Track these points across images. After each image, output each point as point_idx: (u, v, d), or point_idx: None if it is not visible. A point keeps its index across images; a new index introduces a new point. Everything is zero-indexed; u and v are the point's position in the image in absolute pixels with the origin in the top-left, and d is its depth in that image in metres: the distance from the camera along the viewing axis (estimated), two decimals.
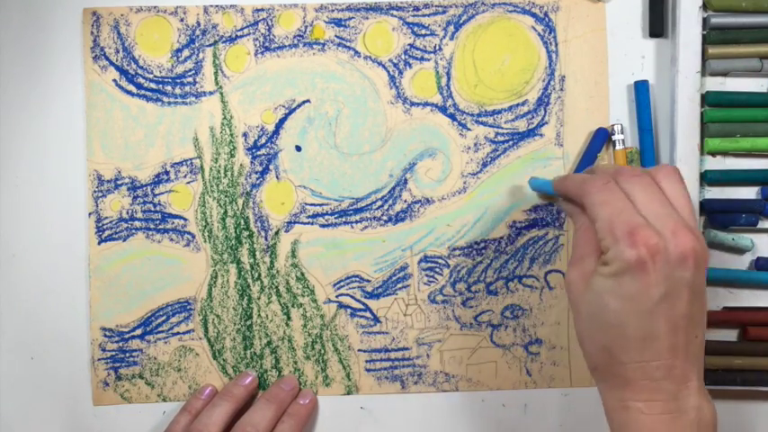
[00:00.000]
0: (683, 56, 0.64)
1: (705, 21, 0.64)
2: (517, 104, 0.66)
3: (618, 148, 0.65)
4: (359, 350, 0.65)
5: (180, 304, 0.65)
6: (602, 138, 0.65)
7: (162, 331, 0.65)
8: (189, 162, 0.65)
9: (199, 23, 0.65)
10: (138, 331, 0.65)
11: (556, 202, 0.64)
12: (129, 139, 0.65)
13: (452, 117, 0.66)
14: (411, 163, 0.66)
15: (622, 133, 0.65)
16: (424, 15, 0.66)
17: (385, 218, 0.66)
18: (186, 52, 0.65)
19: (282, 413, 0.63)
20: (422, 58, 0.66)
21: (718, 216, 0.64)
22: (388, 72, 0.66)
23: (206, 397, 0.64)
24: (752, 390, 0.64)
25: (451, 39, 0.66)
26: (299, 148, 0.66)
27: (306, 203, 0.66)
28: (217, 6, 0.65)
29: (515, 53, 0.66)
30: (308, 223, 0.65)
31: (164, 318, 0.65)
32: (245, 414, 0.62)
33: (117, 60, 0.65)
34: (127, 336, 0.65)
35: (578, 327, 0.53)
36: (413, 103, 0.66)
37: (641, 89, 0.65)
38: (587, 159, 0.65)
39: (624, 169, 0.54)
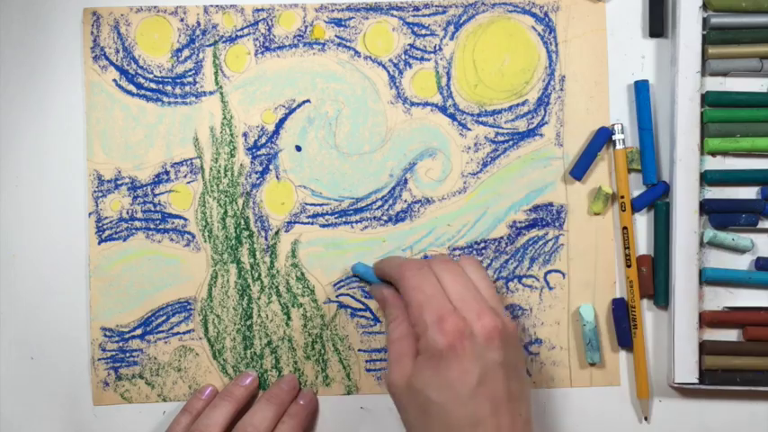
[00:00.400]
0: (683, 56, 0.64)
1: (705, 21, 0.64)
2: (517, 104, 0.66)
3: (618, 147, 0.65)
4: (359, 350, 0.65)
5: (180, 304, 0.65)
6: (603, 137, 0.65)
7: (162, 331, 0.65)
8: (189, 162, 0.65)
9: (199, 23, 0.65)
10: (139, 331, 0.65)
11: (370, 291, 0.64)
12: (129, 139, 0.65)
13: (452, 117, 0.66)
14: (411, 163, 0.66)
15: (623, 133, 0.65)
16: (424, 15, 0.66)
17: (385, 218, 0.66)
18: (186, 52, 0.65)
19: (283, 413, 0.63)
20: (422, 58, 0.66)
21: (718, 216, 0.64)
22: (389, 72, 0.66)
23: (206, 397, 0.64)
24: (752, 390, 0.64)
25: (451, 39, 0.66)
26: (299, 148, 0.66)
27: (306, 203, 0.66)
28: (217, 6, 0.65)
29: (515, 53, 0.66)
30: (309, 223, 0.65)
31: (164, 318, 0.65)
32: (245, 415, 0.62)
33: (117, 60, 0.65)
34: (127, 336, 0.65)
35: (407, 426, 0.56)
36: (413, 103, 0.66)
37: (641, 89, 0.65)
38: (587, 157, 0.65)
39: (436, 256, 0.60)
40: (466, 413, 0.53)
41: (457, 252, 0.65)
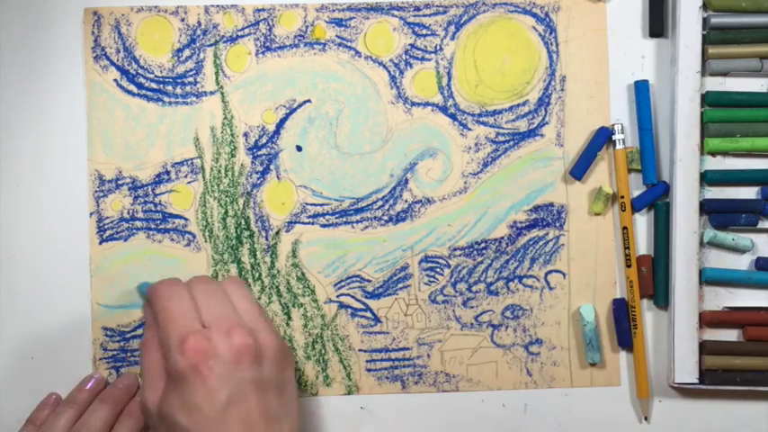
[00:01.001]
0: (683, 56, 0.64)
1: (705, 21, 0.64)
2: (518, 104, 0.66)
3: (618, 147, 0.65)
4: (359, 350, 0.65)
5: None
6: (603, 136, 0.65)
7: None
8: (190, 162, 0.65)
9: (199, 23, 0.65)
10: (140, 331, 0.65)
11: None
12: (129, 138, 0.65)
13: (453, 117, 0.66)
14: (412, 163, 0.66)
15: (623, 133, 0.65)
16: (424, 15, 0.66)
17: (386, 218, 0.66)
18: (187, 52, 0.65)
19: (120, 412, 0.62)
20: (423, 58, 0.66)
21: (718, 216, 0.64)
22: (389, 72, 0.66)
23: (50, 407, 0.63)
24: (752, 390, 0.64)
25: (452, 39, 0.66)
26: (299, 148, 0.66)
27: (306, 203, 0.66)
28: (217, 6, 0.65)
29: (516, 53, 0.66)
30: (309, 223, 0.66)
31: None
32: (81, 417, 0.61)
33: (118, 60, 0.65)
34: (128, 335, 0.65)
35: None
36: (413, 103, 0.66)
37: (641, 89, 0.65)
38: (587, 157, 0.65)
39: (197, 277, 0.57)
40: None
41: (458, 252, 0.65)
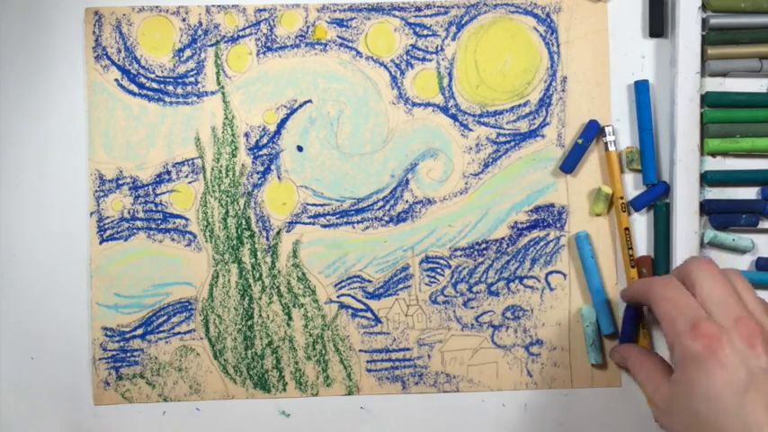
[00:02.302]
0: (683, 56, 0.64)
1: (704, 21, 0.65)
2: (519, 105, 0.66)
3: (610, 149, 0.65)
4: (360, 350, 0.65)
5: (181, 304, 0.65)
6: (592, 130, 0.65)
7: (163, 331, 0.65)
8: (190, 162, 0.65)
9: (201, 23, 0.65)
10: (140, 331, 0.65)
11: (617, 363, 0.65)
12: (130, 138, 0.65)
13: (454, 117, 0.66)
14: (413, 163, 0.66)
15: (614, 135, 0.65)
16: (425, 16, 0.66)
17: (386, 218, 0.66)
18: (188, 52, 0.65)
19: None
20: (424, 59, 0.66)
21: (718, 216, 0.64)
22: (390, 72, 0.66)
23: None
24: None
25: (453, 39, 0.66)
26: (300, 149, 0.66)
27: (307, 204, 0.66)
28: (219, 6, 0.66)
29: (517, 54, 0.66)
30: (310, 223, 0.65)
31: (165, 318, 0.65)
32: None
33: (119, 60, 0.65)
34: (128, 335, 0.65)
35: None
36: (414, 104, 0.66)
37: (641, 89, 0.65)
38: (577, 151, 0.65)
39: (691, 260, 0.55)
40: (739, 423, 0.49)
41: (458, 253, 0.65)
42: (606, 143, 0.65)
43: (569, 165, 0.65)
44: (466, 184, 0.66)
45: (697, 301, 0.53)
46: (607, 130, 0.65)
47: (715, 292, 0.53)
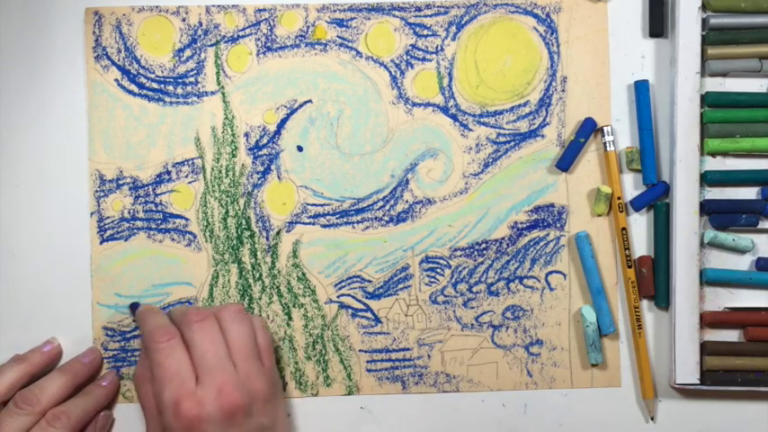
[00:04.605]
0: (683, 57, 0.64)
1: (704, 21, 0.65)
2: (519, 105, 0.66)
3: (609, 149, 0.65)
4: (360, 350, 0.65)
5: (181, 304, 0.65)
6: (588, 127, 0.65)
7: None
8: (190, 162, 0.65)
9: (201, 23, 0.65)
10: (140, 331, 0.65)
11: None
12: (130, 138, 0.65)
13: (454, 117, 0.66)
14: (413, 163, 0.66)
15: (612, 135, 0.65)
16: (425, 16, 0.66)
17: (386, 218, 0.66)
18: (188, 52, 0.65)
19: (78, 385, 0.62)
20: (424, 59, 0.66)
21: (718, 216, 0.64)
22: (390, 72, 0.66)
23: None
24: (753, 390, 0.64)
25: (453, 39, 0.66)
26: (300, 149, 0.66)
27: (307, 204, 0.66)
28: (219, 6, 0.66)
29: (517, 54, 0.66)
30: (310, 223, 0.65)
31: None
32: (37, 381, 0.62)
33: (119, 60, 0.65)
34: (129, 335, 0.65)
35: None
36: (414, 104, 0.66)
37: (641, 89, 0.65)
38: (573, 148, 0.65)
39: (191, 314, 0.58)
40: None
41: (458, 253, 0.65)
42: (605, 143, 0.65)
43: (566, 162, 0.65)
44: (466, 184, 0.66)
45: (190, 367, 0.56)
46: (606, 130, 0.65)
47: (207, 358, 0.56)
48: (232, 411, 0.55)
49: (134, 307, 0.64)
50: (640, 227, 0.66)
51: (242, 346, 0.58)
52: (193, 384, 0.56)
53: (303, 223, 0.65)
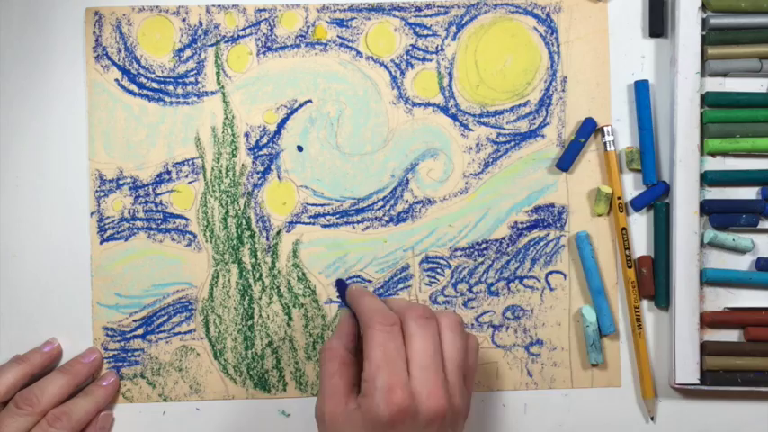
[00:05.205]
0: (683, 57, 0.64)
1: (704, 21, 0.65)
2: (519, 105, 0.66)
3: (609, 149, 0.65)
4: None
5: (181, 304, 0.65)
6: (588, 127, 0.65)
7: (163, 331, 0.65)
8: (191, 162, 0.65)
9: (201, 23, 0.65)
10: (140, 331, 0.65)
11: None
12: (130, 138, 0.65)
13: (454, 117, 0.66)
14: (413, 163, 0.66)
15: (612, 135, 0.65)
16: (426, 16, 0.66)
17: (386, 218, 0.66)
18: (188, 52, 0.65)
19: (78, 385, 0.63)
20: (424, 59, 0.66)
21: (718, 216, 0.64)
22: (390, 72, 0.66)
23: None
24: (753, 390, 0.64)
25: (453, 39, 0.66)
26: (300, 149, 0.66)
27: (307, 204, 0.66)
28: (219, 6, 0.66)
29: (517, 54, 0.66)
30: (310, 223, 0.65)
31: (165, 317, 0.65)
32: (37, 381, 0.62)
33: (119, 60, 0.65)
34: (129, 335, 0.65)
35: None
36: (415, 104, 0.66)
37: (641, 89, 0.65)
38: (573, 148, 0.65)
39: (417, 308, 0.56)
40: None
41: (458, 253, 0.65)
42: (605, 143, 0.65)
43: (566, 162, 0.65)
44: (466, 184, 0.66)
45: (406, 360, 0.54)
46: (606, 130, 0.65)
47: (420, 356, 0.54)
48: (436, 416, 0.53)
49: (340, 283, 0.64)
50: (640, 227, 0.66)
51: (454, 359, 0.56)
52: (407, 376, 0.54)
53: (303, 223, 0.65)
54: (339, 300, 0.65)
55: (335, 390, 0.55)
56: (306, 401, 0.65)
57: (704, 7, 0.65)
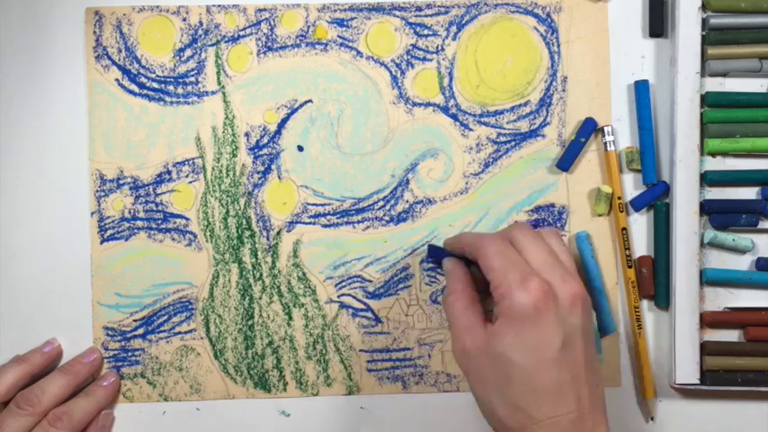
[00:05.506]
0: (683, 57, 0.64)
1: (704, 21, 0.65)
2: (519, 105, 0.66)
3: (609, 149, 0.65)
4: (360, 350, 0.65)
5: (182, 304, 0.65)
6: (589, 127, 0.65)
7: (164, 331, 0.65)
8: (191, 162, 0.65)
9: (201, 23, 0.65)
10: (140, 331, 0.65)
11: (443, 264, 0.63)
12: (131, 138, 0.65)
13: (454, 117, 0.66)
14: (413, 163, 0.66)
15: (612, 135, 0.65)
16: (426, 16, 0.66)
17: (387, 218, 0.66)
18: (188, 52, 0.65)
19: (78, 385, 0.63)
20: (424, 59, 0.66)
21: (718, 216, 0.64)
22: (391, 72, 0.66)
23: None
24: (753, 390, 0.64)
25: (454, 39, 0.66)
26: (301, 148, 0.66)
27: (308, 203, 0.66)
28: (219, 6, 0.66)
29: (518, 54, 0.66)
30: (310, 223, 0.65)
31: (165, 317, 0.65)
32: (38, 381, 0.62)
33: (119, 60, 0.65)
34: (129, 335, 0.65)
35: (484, 394, 0.55)
36: (415, 104, 0.66)
37: (641, 89, 0.65)
38: (573, 148, 0.65)
39: (519, 225, 0.58)
40: (550, 377, 0.53)
41: None
42: (605, 143, 0.65)
43: (566, 162, 0.65)
44: (466, 183, 0.66)
45: (526, 259, 0.56)
46: (606, 129, 0.65)
47: (540, 256, 0.56)
48: (575, 299, 0.54)
49: (432, 248, 0.64)
50: (640, 227, 0.66)
51: (569, 260, 0.58)
52: (535, 271, 0.55)
53: (303, 223, 0.65)
54: (433, 263, 0.65)
55: (470, 323, 0.56)
56: (306, 401, 0.65)
57: (704, 7, 0.65)
